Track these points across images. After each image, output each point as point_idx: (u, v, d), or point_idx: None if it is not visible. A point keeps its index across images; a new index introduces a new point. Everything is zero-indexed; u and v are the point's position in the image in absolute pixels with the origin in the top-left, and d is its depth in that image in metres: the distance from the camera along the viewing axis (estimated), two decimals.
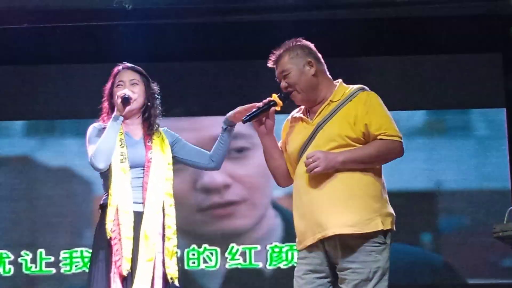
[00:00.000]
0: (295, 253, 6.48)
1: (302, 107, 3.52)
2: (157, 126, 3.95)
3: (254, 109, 3.47)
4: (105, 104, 4.01)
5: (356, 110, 3.29)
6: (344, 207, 3.22)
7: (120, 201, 3.77)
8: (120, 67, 4.00)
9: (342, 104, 3.34)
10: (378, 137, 3.24)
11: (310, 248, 3.30)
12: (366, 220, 3.18)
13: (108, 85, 4.00)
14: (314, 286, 3.30)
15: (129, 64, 4.02)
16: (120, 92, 3.82)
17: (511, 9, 5.60)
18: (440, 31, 6.68)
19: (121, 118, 3.85)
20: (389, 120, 3.33)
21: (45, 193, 6.95)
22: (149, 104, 3.93)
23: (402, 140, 3.30)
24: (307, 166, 3.19)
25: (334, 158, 3.18)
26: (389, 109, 6.18)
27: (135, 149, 3.83)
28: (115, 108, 3.89)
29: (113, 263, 3.75)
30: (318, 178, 3.26)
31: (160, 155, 3.90)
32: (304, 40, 3.49)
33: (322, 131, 3.31)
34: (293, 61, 3.39)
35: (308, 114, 3.46)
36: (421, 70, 6.94)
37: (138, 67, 4.00)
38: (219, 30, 6.80)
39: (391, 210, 3.30)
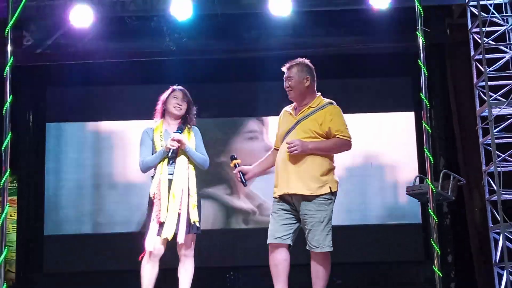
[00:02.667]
0: None
1: (293, 104, 3.86)
2: (190, 126, 4.23)
3: (239, 180, 3.93)
4: (159, 107, 4.28)
5: (325, 117, 3.68)
6: (306, 177, 3.61)
7: (162, 175, 4.10)
8: (176, 87, 4.29)
9: (317, 110, 3.72)
10: (336, 136, 3.67)
11: (283, 197, 3.68)
12: (319, 187, 3.60)
13: (164, 96, 4.27)
14: (284, 218, 3.69)
15: (181, 87, 4.31)
16: (172, 143, 4.03)
17: (417, 48, 5.04)
18: (370, 62, 6.97)
19: (166, 154, 4.07)
20: (345, 126, 3.72)
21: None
22: (187, 116, 4.26)
23: (351, 140, 3.73)
24: (289, 148, 3.60)
25: (306, 145, 3.60)
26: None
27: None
28: (165, 116, 4.21)
29: (153, 214, 4.06)
30: (293, 156, 3.64)
31: (187, 141, 4.12)
32: (309, 63, 3.87)
33: (301, 125, 3.69)
34: (298, 73, 3.75)
35: (295, 111, 3.81)
36: (358, 89, 7.29)
37: (185, 90, 4.31)
38: (232, 63, 7.06)
39: (337, 179, 3.75)
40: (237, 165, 3.96)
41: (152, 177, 4.19)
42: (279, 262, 3.63)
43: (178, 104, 4.22)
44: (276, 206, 3.72)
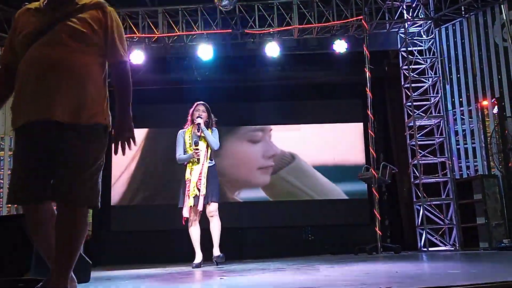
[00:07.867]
0: None
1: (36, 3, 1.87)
2: (211, 128, 4.17)
3: None
4: (189, 117, 4.21)
5: (106, 22, 1.83)
6: (75, 97, 1.72)
7: (191, 167, 4.10)
8: (198, 102, 4.21)
9: (89, 9, 1.82)
10: (119, 61, 1.87)
11: (35, 124, 1.71)
12: (92, 114, 1.76)
13: (191, 110, 4.21)
14: (31, 152, 1.72)
15: (202, 102, 4.23)
16: (197, 153, 3.95)
17: (365, 79, 5.55)
18: (333, 89, 6.78)
19: (194, 157, 3.97)
20: (124, 38, 1.92)
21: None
22: (209, 120, 4.19)
23: (127, 60, 1.89)
24: (121, 144, 1.86)
25: (128, 124, 1.87)
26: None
27: (198, 139, 4.08)
28: (193, 128, 4.07)
29: (186, 191, 4.02)
30: (55, 69, 1.70)
31: (207, 133, 4.10)
32: None
33: (63, 25, 1.76)
34: None
35: (46, 6, 1.82)
36: (325, 107, 6.94)
37: (205, 104, 4.23)
38: (239, 89, 6.78)
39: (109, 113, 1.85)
40: None
41: (185, 166, 4.10)
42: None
43: (199, 114, 4.14)
44: (21, 138, 1.75)
